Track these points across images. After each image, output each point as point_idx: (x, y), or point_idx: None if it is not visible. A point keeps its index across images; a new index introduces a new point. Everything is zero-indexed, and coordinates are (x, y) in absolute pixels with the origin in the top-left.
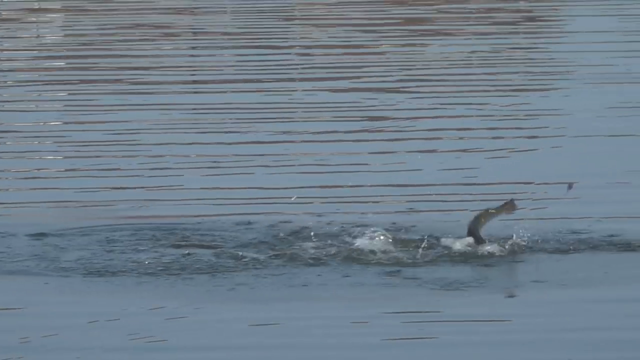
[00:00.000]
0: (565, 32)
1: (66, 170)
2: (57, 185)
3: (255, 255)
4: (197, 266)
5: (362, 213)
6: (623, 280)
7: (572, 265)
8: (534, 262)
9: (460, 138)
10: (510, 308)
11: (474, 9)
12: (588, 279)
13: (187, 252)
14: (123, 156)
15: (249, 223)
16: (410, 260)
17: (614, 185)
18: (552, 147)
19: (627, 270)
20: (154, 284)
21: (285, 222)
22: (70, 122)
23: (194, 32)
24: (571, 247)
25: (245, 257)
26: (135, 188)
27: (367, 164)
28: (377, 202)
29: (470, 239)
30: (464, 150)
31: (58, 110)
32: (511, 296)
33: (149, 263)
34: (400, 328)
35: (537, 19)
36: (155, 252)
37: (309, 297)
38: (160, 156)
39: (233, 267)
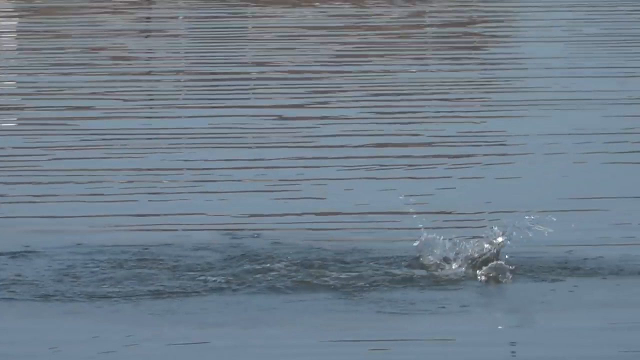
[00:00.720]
0: (519, 58)
1: (17, 195)
2: (9, 209)
3: (210, 280)
4: (153, 290)
5: (316, 240)
6: (579, 306)
7: (530, 292)
8: (490, 288)
9: (414, 165)
10: (465, 335)
11: (429, 33)
12: (546, 304)
13: (142, 275)
14: (76, 181)
15: (205, 248)
16: (365, 285)
17: (571, 212)
18: (508, 174)
19: (584, 296)
20: (107, 308)
21: (239, 246)
22: (24, 147)
23: (147, 57)
24: (528, 273)
25: (200, 282)
26: (88, 212)
27: (321, 189)
28: (331, 229)
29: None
30: (418, 178)
31: (10, 134)
32: (467, 321)
33: (103, 287)
34: (357, 355)
35: (490, 43)
36: (110, 276)
37: (265, 323)
38: (114, 181)
39: (189, 291)
